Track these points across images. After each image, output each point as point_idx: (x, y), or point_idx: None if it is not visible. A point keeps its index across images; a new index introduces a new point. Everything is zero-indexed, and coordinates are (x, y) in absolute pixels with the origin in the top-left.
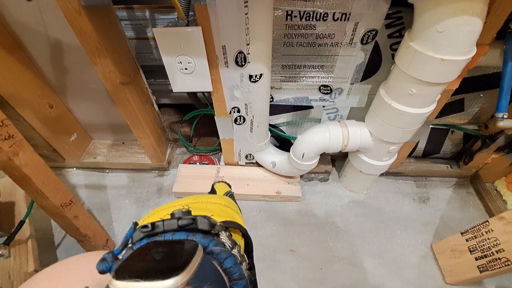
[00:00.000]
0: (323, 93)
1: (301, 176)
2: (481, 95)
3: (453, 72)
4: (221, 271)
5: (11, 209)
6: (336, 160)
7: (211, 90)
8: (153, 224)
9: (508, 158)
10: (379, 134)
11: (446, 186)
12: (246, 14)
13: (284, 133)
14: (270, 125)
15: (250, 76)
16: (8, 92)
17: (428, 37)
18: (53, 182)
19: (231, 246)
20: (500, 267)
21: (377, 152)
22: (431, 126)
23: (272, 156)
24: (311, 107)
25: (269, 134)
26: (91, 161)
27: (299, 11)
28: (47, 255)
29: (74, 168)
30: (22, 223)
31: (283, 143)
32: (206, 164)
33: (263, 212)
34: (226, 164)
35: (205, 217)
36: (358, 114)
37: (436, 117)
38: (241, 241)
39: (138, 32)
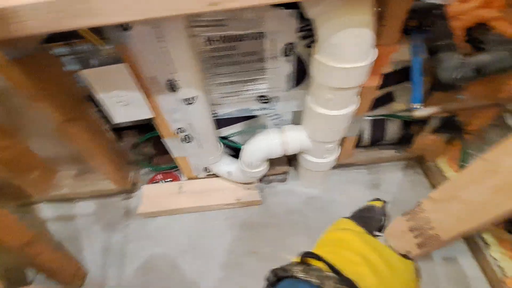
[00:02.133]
0: (263, 103)
1: (261, 180)
2: (407, 85)
3: (359, 76)
4: None
5: None
6: (292, 159)
7: (152, 116)
8: None
9: (444, 137)
10: (313, 136)
11: (396, 170)
12: (164, 48)
13: (235, 143)
14: (221, 137)
15: (185, 100)
16: None
17: (327, 49)
18: (9, 225)
19: None
20: (433, 243)
21: (317, 151)
22: (368, 118)
23: (227, 166)
24: (255, 116)
25: (221, 147)
26: (58, 194)
27: (219, 36)
28: None
29: (42, 203)
30: None
31: (237, 151)
32: (170, 181)
33: (227, 220)
34: (188, 178)
35: None
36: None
37: (371, 110)
38: None
39: (84, 64)
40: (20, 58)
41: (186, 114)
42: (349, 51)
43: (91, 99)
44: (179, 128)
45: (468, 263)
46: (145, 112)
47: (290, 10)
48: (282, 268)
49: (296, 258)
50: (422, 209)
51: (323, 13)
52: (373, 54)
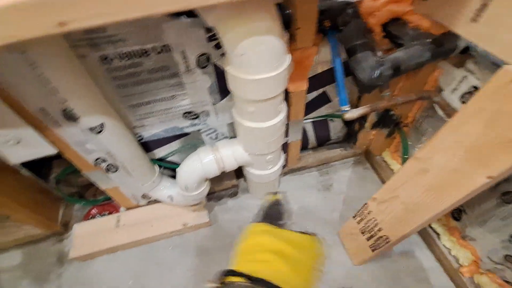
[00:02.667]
0: (191, 119)
1: (209, 198)
2: None
3: (275, 86)
4: None
5: None
6: (240, 171)
7: (55, 152)
8: None
9: (384, 131)
10: (249, 149)
11: (346, 168)
12: (40, 75)
13: (175, 163)
14: (157, 159)
15: (91, 128)
16: None
17: (236, 60)
18: None
19: None
20: (384, 244)
21: (258, 163)
22: (304, 121)
23: (167, 190)
24: (188, 133)
25: (156, 170)
26: None
27: (114, 53)
28: None
29: None
30: None
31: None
32: (108, 214)
33: (176, 248)
34: (127, 209)
35: None
36: None
37: (308, 113)
38: None
39: None
40: None
41: (100, 144)
42: (258, 61)
43: None
44: (97, 159)
45: (424, 255)
46: (45, 149)
47: (191, 19)
48: None
49: (212, 283)
50: (368, 211)
51: (221, 20)
52: (287, 61)
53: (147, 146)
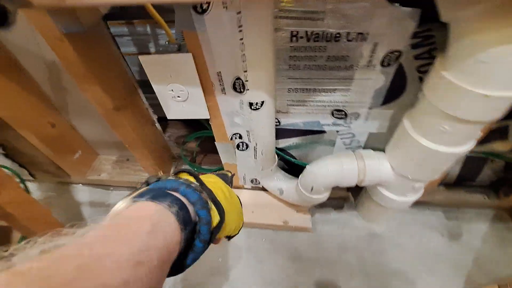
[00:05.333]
0: (337, 118)
1: None
2: None
3: (499, 109)
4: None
5: (8, 235)
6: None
7: (208, 117)
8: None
9: None
10: (402, 170)
11: (482, 220)
12: (241, 39)
13: (294, 157)
14: (277, 148)
15: (251, 104)
16: (7, 115)
17: (467, 67)
18: (41, 217)
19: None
20: None
21: (400, 187)
22: (467, 155)
23: (279, 182)
24: (324, 131)
25: (276, 159)
26: (96, 178)
27: (306, 32)
28: None
29: (80, 184)
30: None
31: (293, 166)
32: None
33: (269, 243)
34: (232, 187)
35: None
36: (378, 139)
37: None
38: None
39: (140, 47)
40: (75, 33)
41: (249, 120)
42: (503, 76)
43: (143, 85)
44: (236, 134)
45: None
46: (203, 112)
47: (410, 9)
48: (153, 176)
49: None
50: None
51: (473, 19)
52: None
53: (276, 133)
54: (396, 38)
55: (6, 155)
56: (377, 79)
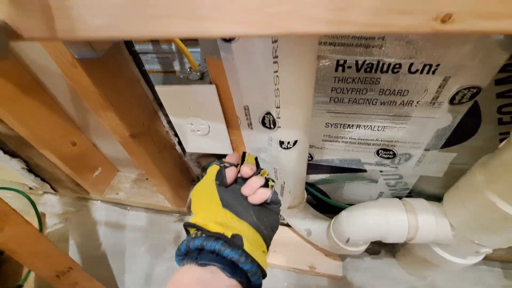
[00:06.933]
0: (382, 157)
1: None
2: None
3: None
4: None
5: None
6: None
7: (231, 153)
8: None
9: None
10: (467, 232)
11: None
12: (276, 72)
13: (326, 195)
14: (307, 183)
15: (281, 142)
16: (29, 134)
17: None
18: (46, 252)
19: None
20: None
21: (459, 249)
22: None
23: (307, 222)
24: (364, 170)
25: (305, 196)
26: (113, 197)
27: (357, 61)
28: None
29: (99, 201)
30: (19, 287)
31: (322, 202)
32: None
33: (292, 287)
34: None
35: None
36: (431, 183)
37: None
38: None
39: (164, 66)
40: (90, 58)
41: (276, 157)
42: None
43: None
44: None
45: None
46: (225, 147)
47: (502, 37)
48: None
49: None
50: None
51: None
52: None
53: (309, 167)
54: (477, 72)
55: (30, 171)
56: (441, 119)
